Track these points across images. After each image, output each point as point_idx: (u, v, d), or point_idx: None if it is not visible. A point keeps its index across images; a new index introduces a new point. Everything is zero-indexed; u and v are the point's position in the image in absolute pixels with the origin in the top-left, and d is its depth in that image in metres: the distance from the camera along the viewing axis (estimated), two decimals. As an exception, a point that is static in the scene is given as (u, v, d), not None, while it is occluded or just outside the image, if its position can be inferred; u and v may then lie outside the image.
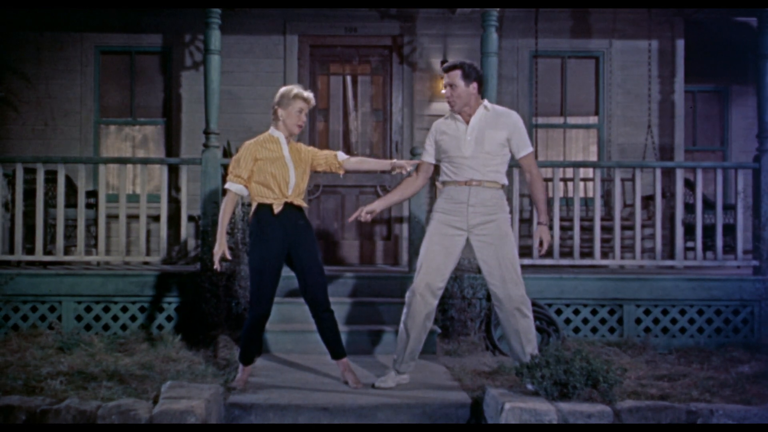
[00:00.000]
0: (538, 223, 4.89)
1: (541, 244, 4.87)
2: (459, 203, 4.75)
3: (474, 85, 4.79)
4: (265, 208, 4.79)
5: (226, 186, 4.81)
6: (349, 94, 8.54)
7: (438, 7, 8.08)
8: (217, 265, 4.82)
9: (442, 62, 8.36)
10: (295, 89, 4.81)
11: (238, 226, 6.45)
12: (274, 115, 4.84)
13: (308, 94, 4.83)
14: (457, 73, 4.77)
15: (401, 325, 4.85)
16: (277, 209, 4.75)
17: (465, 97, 4.79)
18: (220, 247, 4.78)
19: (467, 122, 4.80)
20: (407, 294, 4.83)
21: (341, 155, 4.96)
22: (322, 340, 4.94)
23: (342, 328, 4.99)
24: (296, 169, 4.80)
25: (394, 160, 5.08)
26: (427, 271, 4.75)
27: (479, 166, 4.73)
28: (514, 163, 6.91)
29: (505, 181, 4.84)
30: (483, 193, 4.73)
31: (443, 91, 4.91)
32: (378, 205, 4.94)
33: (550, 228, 7.19)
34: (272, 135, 4.85)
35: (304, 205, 4.91)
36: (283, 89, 4.86)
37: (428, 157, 4.95)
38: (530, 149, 4.84)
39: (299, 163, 4.84)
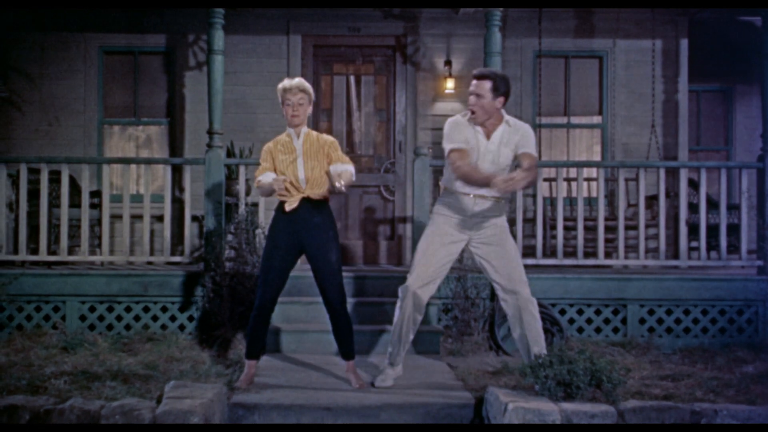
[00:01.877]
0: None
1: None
2: (462, 211, 4.78)
3: (501, 100, 4.68)
4: (280, 205, 4.85)
5: (258, 178, 4.80)
6: (353, 94, 8.53)
7: (441, 6, 8.07)
8: (281, 188, 4.68)
9: (446, 62, 8.36)
10: (280, 84, 4.84)
11: (242, 226, 6.45)
12: None
13: (282, 84, 4.81)
14: (488, 84, 4.64)
15: (394, 319, 4.90)
16: (288, 207, 4.76)
17: (490, 111, 4.67)
18: (277, 182, 4.66)
19: (488, 137, 4.72)
20: (400, 289, 4.85)
21: (350, 167, 4.80)
22: (335, 338, 4.97)
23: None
24: (307, 161, 4.77)
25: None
26: (423, 272, 4.78)
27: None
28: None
29: None
30: (486, 204, 4.76)
31: (469, 99, 4.70)
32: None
33: (553, 228, 7.20)
34: (286, 132, 4.90)
35: (323, 197, 4.83)
36: None
37: (464, 145, 4.73)
38: (533, 152, 4.71)
39: (312, 154, 4.79)
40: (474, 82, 4.69)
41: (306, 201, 4.78)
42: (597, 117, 8.62)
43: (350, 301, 6.22)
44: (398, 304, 4.87)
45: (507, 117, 4.77)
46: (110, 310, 6.59)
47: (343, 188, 4.57)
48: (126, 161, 7.07)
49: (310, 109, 4.86)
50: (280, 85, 4.82)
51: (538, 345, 4.75)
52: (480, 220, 4.78)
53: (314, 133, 4.90)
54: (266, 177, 4.79)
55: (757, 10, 6.95)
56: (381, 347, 5.80)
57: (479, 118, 4.69)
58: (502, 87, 4.65)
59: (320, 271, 4.81)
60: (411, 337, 4.94)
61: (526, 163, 4.66)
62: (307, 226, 4.79)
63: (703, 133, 9.75)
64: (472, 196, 4.73)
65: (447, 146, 4.74)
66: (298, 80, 4.83)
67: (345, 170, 4.71)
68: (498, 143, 4.71)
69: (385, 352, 5.03)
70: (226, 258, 6.55)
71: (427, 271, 4.78)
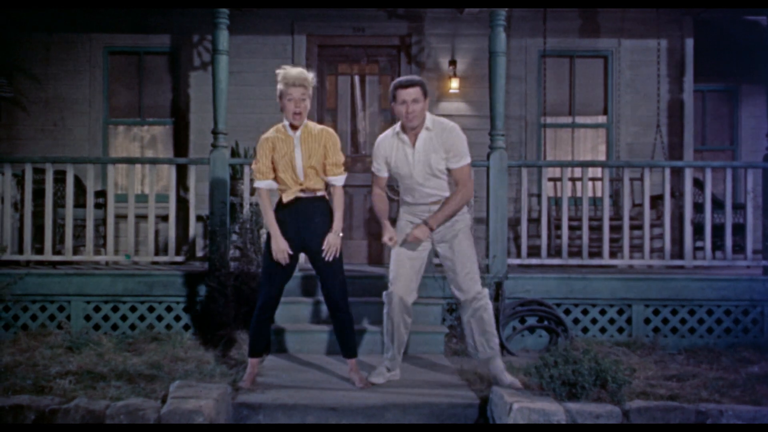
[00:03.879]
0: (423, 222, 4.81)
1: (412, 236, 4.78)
2: (418, 215, 4.88)
3: (427, 102, 4.79)
4: (279, 202, 4.82)
5: (255, 185, 4.77)
6: (357, 93, 8.54)
7: (446, 6, 8.07)
8: (284, 260, 4.70)
9: (450, 62, 8.36)
10: (279, 74, 4.68)
11: (246, 225, 6.46)
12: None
13: (283, 77, 4.65)
14: (418, 89, 4.70)
15: (384, 327, 4.97)
16: (286, 199, 4.74)
17: (422, 114, 4.76)
18: (277, 244, 4.68)
19: (413, 144, 4.79)
20: (385, 294, 4.93)
21: (339, 180, 4.79)
22: (336, 337, 4.96)
23: (350, 328, 5.00)
24: (304, 152, 4.69)
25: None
26: (397, 273, 4.87)
27: (433, 188, 4.80)
28: (522, 162, 6.94)
29: None
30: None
31: (400, 109, 4.71)
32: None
33: (557, 228, 7.19)
34: (283, 123, 4.77)
35: (321, 191, 4.79)
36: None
37: (384, 173, 4.94)
38: (466, 161, 4.75)
39: (310, 145, 4.70)
40: (403, 91, 4.69)
41: (305, 195, 4.74)
42: (602, 117, 8.61)
43: (355, 301, 6.21)
44: (385, 310, 4.93)
45: (427, 122, 4.79)
46: (115, 309, 6.60)
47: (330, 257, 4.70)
48: (131, 161, 7.08)
49: (309, 103, 4.72)
50: (280, 77, 4.64)
51: (484, 346, 4.81)
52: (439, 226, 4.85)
53: (311, 125, 4.78)
54: (264, 184, 4.75)
55: (763, 10, 6.93)
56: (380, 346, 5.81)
57: (416, 122, 4.73)
58: (426, 90, 4.77)
59: (322, 269, 4.80)
60: (405, 338, 4.99)
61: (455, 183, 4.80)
62: (309, 224, 4.77)
63: (709, 132, 9.73)
64: (425, 205, 4.85)
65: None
66: (299, 72, 4.65)
67: (333, 242, 4.73)
68: (423, 150, 4.77)
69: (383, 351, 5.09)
70: (231, 258, 6.56)
71: (400, 271, 4.87)
